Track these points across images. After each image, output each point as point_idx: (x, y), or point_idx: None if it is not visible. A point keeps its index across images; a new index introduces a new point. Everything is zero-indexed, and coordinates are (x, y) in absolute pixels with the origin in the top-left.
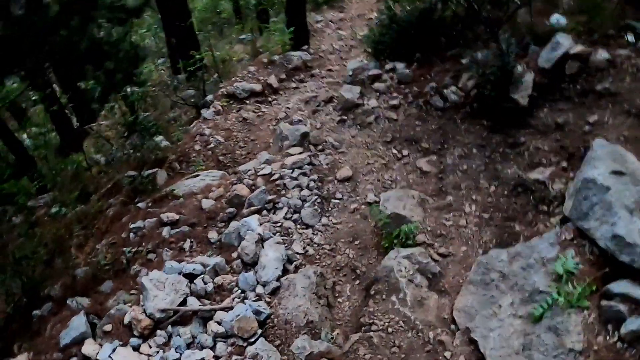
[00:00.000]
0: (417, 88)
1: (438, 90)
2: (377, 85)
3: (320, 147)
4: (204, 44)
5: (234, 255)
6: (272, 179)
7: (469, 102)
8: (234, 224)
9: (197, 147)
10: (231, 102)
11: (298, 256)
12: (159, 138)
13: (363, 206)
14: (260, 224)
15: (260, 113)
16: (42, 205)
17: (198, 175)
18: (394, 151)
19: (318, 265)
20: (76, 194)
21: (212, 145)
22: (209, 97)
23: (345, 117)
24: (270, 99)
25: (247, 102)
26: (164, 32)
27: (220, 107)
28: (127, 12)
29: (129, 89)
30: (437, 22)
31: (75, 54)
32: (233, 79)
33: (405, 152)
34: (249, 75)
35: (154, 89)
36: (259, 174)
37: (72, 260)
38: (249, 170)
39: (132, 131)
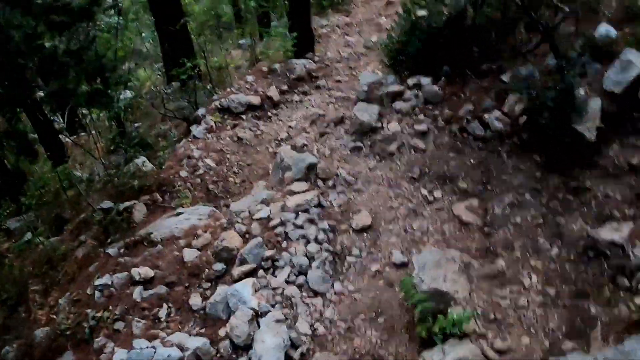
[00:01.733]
0: (449, 110)
1: (476, 115)
2: (398, 104)
3: (330, 183)
4: (200, 50)
5: (222, 332)
6: (270, 224)
7: (518, 131)
8: (221, 290)
9: (183, 174)
10: (225, 117)
11: (304, 338)
12: (140, 160)
13: (387, 268)
14: (256, 291)
15: (258, 132)
16: (16, 230)
17: (182, 214)
18: (424, 191)
19: (330, 352)
20: (52, 217)
21: (201, 171)
22: (201, 111)
23: (360, 144)
24: (270, 114)
25: (244, 117)
26: (158, 35)
27: (212, 123)
28: (70, 14)
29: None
30: (469, 30)
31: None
32: (228, 89)
33: (437, 194)
34: (247, 85)
35: (142, 98)
36: (254, 217)
37: (33, 313)
38: (242, 211)
39: (117, 146)
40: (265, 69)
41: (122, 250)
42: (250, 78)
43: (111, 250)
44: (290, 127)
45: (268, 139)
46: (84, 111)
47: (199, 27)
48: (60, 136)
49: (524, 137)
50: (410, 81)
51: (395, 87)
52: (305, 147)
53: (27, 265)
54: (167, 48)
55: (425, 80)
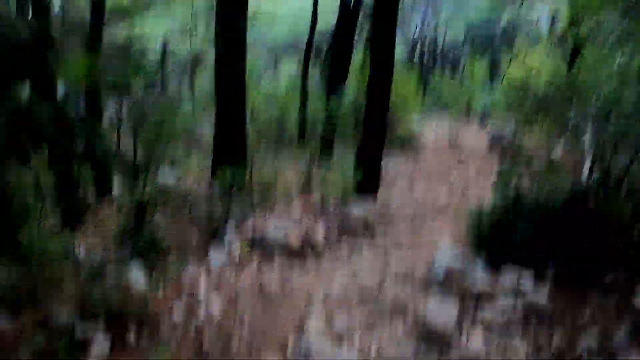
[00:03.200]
0: (564, 336)
1: (605, 350)
2: (487, 312)
3: None
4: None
5: None
6: None
7: None
8: None
9: (177, 315)
10: (255, 250)
11: None
12: (135, 275)
13: None
14: None
15: (288, 285)
16: None
17: None
18: None
19: None
20: None
21: (200, 319)
22: (229, 233)
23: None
24: (307, 264)
25: (276, 258)
26: (215, 125)
27: (236, 254)
28: None
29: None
30: (591, 217)
31: None
32: (267, 217)
33: None
34: (289, 218)
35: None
36: None
37: None
38: None
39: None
40: (316, 203)
41: None
42: (295, 211)
43: None
44: (327, 294)
45: (298, 298)
46: None
47: (257, 133)
48: None
49: None
50: (505, 278)
51: (484, 285)
52: (341, 342)
53: None
54: (219, 143)
55: (528, 283)
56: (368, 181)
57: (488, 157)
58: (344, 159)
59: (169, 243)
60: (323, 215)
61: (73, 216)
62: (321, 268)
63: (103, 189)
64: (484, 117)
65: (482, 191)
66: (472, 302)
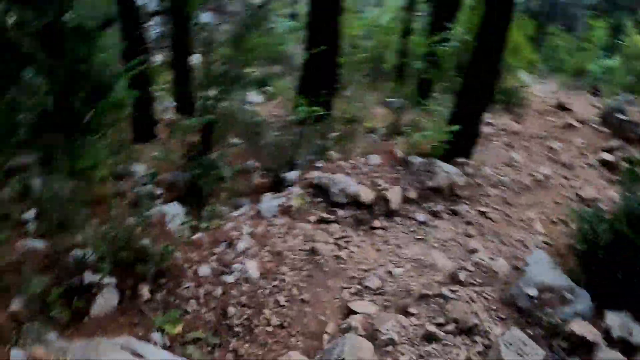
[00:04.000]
0: None
1: None
2: None
3: None
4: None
5: None
6: None
7: None
8: None
9: (205, 270)
10: (316, 201)
11: None
12: (173, 208)
13: None
14: None
15: (345, 250)
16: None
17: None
18: None
19: None
20: None
21: (231, 278)
22: (293, 175)
23: None
24: (374, 226)
25: (339, 214)
26: (305, 50)
27: (294, 205)
28: None
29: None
30: None
31: None
32: (341, 162)
33: None
34: (365, 167)
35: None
36: None
37: None
38: None
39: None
40: (399, 154)
41: None
42: (374, 159)
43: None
44: (389, 272)
45: (351, 270)
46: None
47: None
48: None
49: None
50: (614, 320)
51: (583, 325)
52: (392, 346)
53: None
54: (308, 70)
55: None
56: (463, 139)
57: (600, 129)
58: (440, 106)
59: (226, 179)
60: (403, 172)
61: (145, 131)
62: (388, 236)
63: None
64: (597, 85)
65: (588, 171)
66: (561, 342)
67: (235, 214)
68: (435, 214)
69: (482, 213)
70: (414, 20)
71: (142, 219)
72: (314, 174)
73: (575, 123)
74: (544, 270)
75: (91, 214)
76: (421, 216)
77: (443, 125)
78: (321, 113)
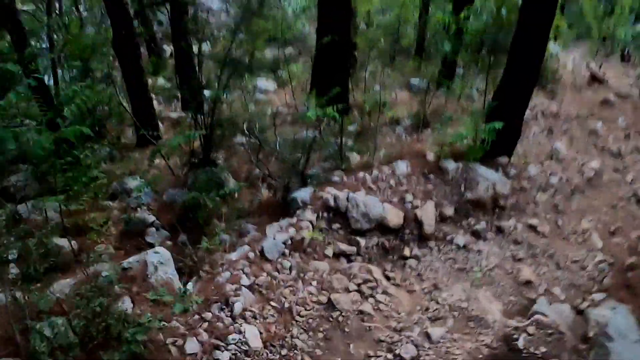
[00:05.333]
0: None
1: None
2: None
3: None
4: (360, 72)
5: None
6: None
7: None
8: None
9: (191, 349)
10: (332, 228)
11: None
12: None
13: None
14: None
15: (370, 298)
16: None
17: None
18: None
19: None
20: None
21: (224, 355)
22: (303, 194)
23: None
24: (405, 255)
25: (360, 246)
26: (317, 30)
27: (306, 237)
28: None
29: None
30: None
31: None
32: (361, 173)
33: None
34: (391, 178)
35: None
36: None
37: None
38: None
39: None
40: (430, 157)
41: None
42: (401, 167)
43: None
44: (427, 333)
45: (379, 329)
46: None
47: (370, 42)
48: None
49: None
50: None
51: None
52: None
53: None
54: (320, 53)
55: None
56: (506, 135)
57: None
58: (469, 88)
59: (229, 196)
60: (438, 178)
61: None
62: (423, 267)
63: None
64: (629, 51)
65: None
66: None
67: (233, 256)
68: (476, 234)
69: (531, 227)
70: None
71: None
72: (330, 191)
73: (612, 98)
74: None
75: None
76: (460, 238)
77: (480, 120)
78: (337, 110)
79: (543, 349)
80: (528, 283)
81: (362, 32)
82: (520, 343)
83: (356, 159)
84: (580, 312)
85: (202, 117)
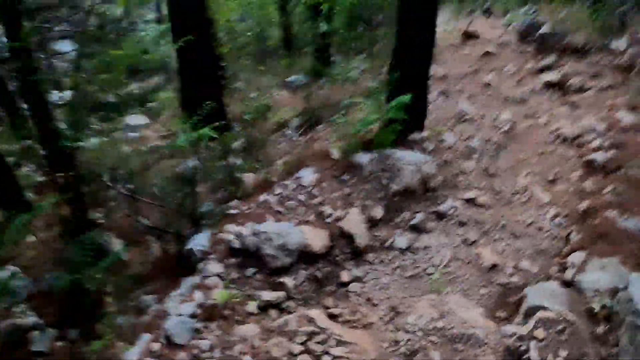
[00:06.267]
0: None
1: None
2: None
3: None
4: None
5: None
6: None
7: None
8: None
9: None
10: (247, 276)
11: None
12: None
13: None
14: None
15: (329, 356)
16: None
17: None
18: None
19: None
20: None
21: None
22: (200, 242)
23: None
24: (343, 281)
25: (287, 287)
26: (177, 52)
27: (218, 301)
28: None
29: None
30: None
31: None
32: (258, 199)
33: None
34: (299, 192)
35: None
36: None
37: None
38: None
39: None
40: (337, 157)
41: None
42: (307, 175)
43: None
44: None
45: None
46: None
47: (237, 51)
48: None
49: None
50: None
51: None
52: None
53: None
54: (185, 73)
55: None
56: (415, 108)
57: (520, 49)
58: (354, 70)
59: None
60: (354, 177)
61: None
62: (371, 289)
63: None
64: (489, 7)
65: (542, 100)
66: None
67: (133, 354)
68: (417, 229)
69: (470, 202)
70: None
71: None
72: (231, 229)
73: (492, 49)
74: None
75: None
76: (401, 240)
77: (381, 100)
78: (213, 130)
79: (564, 353)
80: (494, 267)
81: (227, 40)
82: (534, 355)
83: (251, 179)
84: (568, 284)
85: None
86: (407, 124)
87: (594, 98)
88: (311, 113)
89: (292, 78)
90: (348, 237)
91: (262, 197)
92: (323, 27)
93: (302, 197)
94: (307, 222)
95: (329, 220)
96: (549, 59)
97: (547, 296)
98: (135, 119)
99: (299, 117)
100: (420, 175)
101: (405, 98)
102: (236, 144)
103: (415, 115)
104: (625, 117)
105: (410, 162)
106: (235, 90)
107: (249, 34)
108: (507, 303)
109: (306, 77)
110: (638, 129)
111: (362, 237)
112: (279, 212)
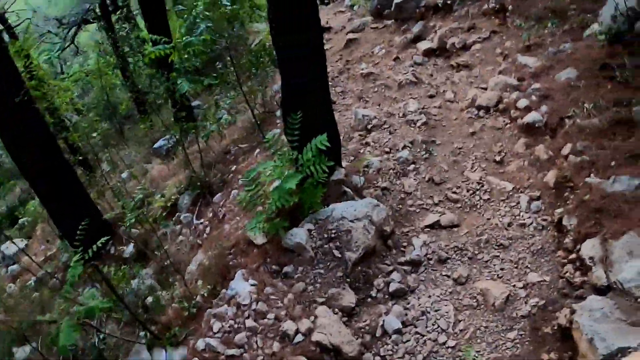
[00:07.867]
0: None
1: None
2: None
3: None
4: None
5: None
6: None
7: None
8: None
9: None
10: None
11: None
12: None
13: None
14: None
15: None
16: None
17: None
18: None
19: None
20: None
21: None
22: None
23: None
24: None
25: None
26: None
27: None
28: None
29: None
30: None
31: None
32: (202, 345)
33: None
34: (240, 314)
35: None
36: None
37: None
38: None
39: None
40: (263, 242)
41: None
42: (242, 288)
43: None
44: None
45: None
46: None
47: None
48: None
49: None
50: None
51: None
52: None
53: None
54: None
55: None
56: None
57: (382, 26)
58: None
59: None
60: (299, 266)
61: None
62: None
63: None
64: None
65: (431, 71)
66: None
67: None
68: (399, 294)
69: (436, 226)
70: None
71: None
72: None
73: (354, 35)
74: None
75: None
76: (390, 319)
77: (288, 149)
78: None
79: None
80: (506, 300)
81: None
82: None
83: (170, 306)
84: (603, 291)
85: None
86: (330, 168)
87: (482, 52)
88: (199, 182)
89: (159, 143)
90: (334, 351)
91: (201, 343)
92: (184, 87)
93: (249, 323)
94: (273, 356)
95: (298, 340)
96: (417, 28)
97: (598, 318)
98: (11, 246)
99: (187, 193)
100: (374, 228)
101: (322, 139)
102: (127, 252)
103: (331, 152)
104: (528, 61)
105: (358, 216)
106: (102, 177)
107: (93, 106)
108: (546, 337)
109: (172, 137)
110: (550, 68)
111: (349, 343)
112: (233, 357)
